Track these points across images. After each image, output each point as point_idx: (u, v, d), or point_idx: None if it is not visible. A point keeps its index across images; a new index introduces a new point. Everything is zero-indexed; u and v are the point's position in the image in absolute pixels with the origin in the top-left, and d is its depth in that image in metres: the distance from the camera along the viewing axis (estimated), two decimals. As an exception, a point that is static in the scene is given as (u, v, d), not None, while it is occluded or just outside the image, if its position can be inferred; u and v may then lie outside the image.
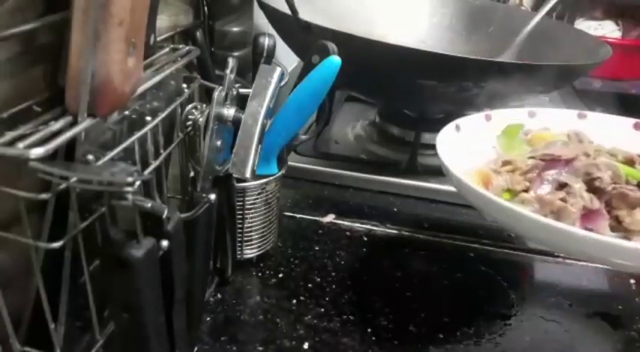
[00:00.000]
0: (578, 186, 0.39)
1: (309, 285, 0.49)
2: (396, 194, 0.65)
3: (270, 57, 0.56)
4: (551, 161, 0.42)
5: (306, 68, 0.45)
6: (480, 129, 0.49)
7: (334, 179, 0.66)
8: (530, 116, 0.50)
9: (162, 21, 0.44)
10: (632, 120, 0.49)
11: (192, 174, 0.41)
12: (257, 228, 0.49)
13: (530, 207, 0.39)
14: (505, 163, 0.45)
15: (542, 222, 0.34)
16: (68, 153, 0.26)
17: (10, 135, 0.23)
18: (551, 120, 0.50)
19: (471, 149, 0.47)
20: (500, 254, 0.56)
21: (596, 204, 0.38)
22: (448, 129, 0.47)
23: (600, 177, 0.39)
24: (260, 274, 0.50)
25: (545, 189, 0.40)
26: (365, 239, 0.57)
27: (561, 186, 0.40)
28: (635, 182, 0.40)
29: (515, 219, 0.36)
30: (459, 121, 0.48)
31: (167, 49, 0.36)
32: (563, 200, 0.39)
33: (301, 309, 0.46)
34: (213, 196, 0.36)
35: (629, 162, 0.42)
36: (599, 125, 0.50)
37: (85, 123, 0.25)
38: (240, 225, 0.48)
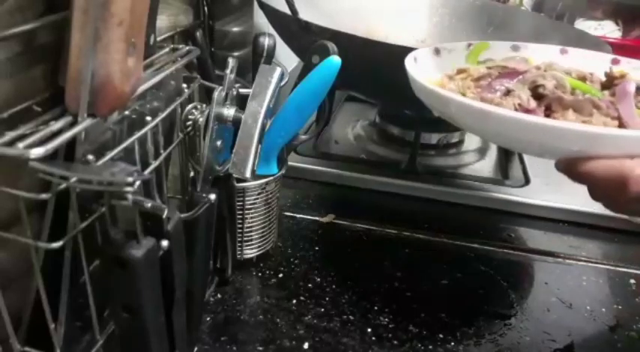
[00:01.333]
0: (522, 92, 0.40)
1: (309, 285, 0.49)
2: (396, 194, 0.65)
3: (270, 57, 0.56)
4: (505, 73, 0.43)
5: (306, 68, 0.45)
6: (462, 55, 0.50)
7: (334, 179, 0.66)
8: (514, 49, 0.51)
9: (162, 21, 0.44)
10: (609, 56, 0.49)
11: (192, 174, 0.41)
12: (257, 228, 0.49)
13: None
14: (460, 71, 0.46)
15: (468, 104, 0.36)
16: (68, 153, 0.26)
17: (10, 135, 0.23)
18: (533, 54, 0.50)
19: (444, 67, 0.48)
20: (500, 254, 0.56)
21: (533, 104, 0.39)
22: (428, 51, 0.48)
23: (543, 84, 0.40)
24: (260, 274, 0.50)
25: (491, 94, 0.41)
26: (365, 239, 0.57)
27: (508, 92, 0.41)
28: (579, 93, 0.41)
29: (444, 103, 0.39)
30: (442, 45, 0.49)
31: (167, 49, 0.36)
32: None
33: (301, 309, 0.46)
34: (213, 196, 0.36)
35: (582, 78, 0.43)
36: (578, 59, 0.50)
37: (85, 123, 0.25)
38: (240, 225, 0.48)
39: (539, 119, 0.35)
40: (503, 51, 0.50)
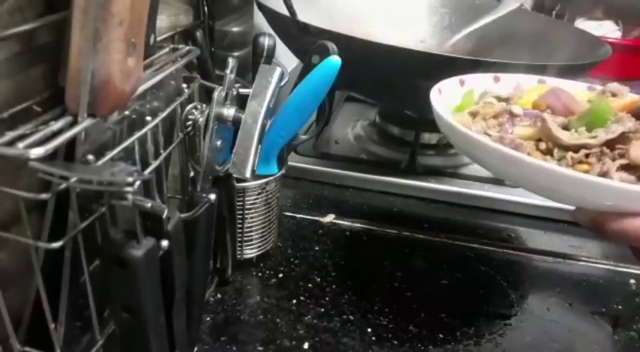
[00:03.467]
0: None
1: (309, 285, 0.49)
2: (396, 194, 0.65)
3: (270, 57, 0.56)
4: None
5: (306, 68, 0.45)
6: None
7: (334, 179, 0.66)
8: (495, 81, 0.50)
9: (162, 21, 0.44)
10: (584, 85, 0.49)
11: (192, 174, 0.41)
12: (257, 228, 0.49)
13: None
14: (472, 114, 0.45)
15: (491, 147, 0.34)
16: (68, 153, 0.26)
17: (10, 135, 0.23)
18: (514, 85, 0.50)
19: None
20: (500, 254, 0.56)
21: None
22: (454, 81, 0.46)
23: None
24: (260, 274, 0.50)
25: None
26: (365, 239, 0.57)
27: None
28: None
29: (472, 146, 0.37)
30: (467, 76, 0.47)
31: (167, 49, 0.36)
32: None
33: (301, 309, 0.46)
34: (213, 196, 0.36)
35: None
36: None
37: (85, 123, 0.25)
38: (240, 225, 0.48)
39: (571, 172, 0.33)
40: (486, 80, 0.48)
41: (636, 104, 0.39)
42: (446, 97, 0.44)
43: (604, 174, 0.33)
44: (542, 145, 0.36)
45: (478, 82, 0.47)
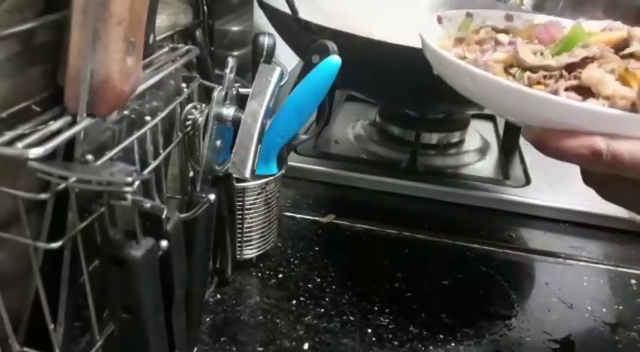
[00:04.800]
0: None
1: (309, 285, 0.49)
2: (396, 194, 0.65)
3: (270, 56, 0.56)
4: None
5: (306, 68, 0.45)
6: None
7: (334, 179, 0.66)
8: (507, 19, 0.50)
9: (162, 20, 0.44)
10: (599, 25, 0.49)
11: (191, 174, 0.41)
12: (257, 228, 0.49)
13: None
14: (458, 40, 0.45)
15: (460, 66, 0.35)
16: (67, 153, 0.26)
17: (9, 134, 0.23)
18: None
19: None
20: (500, 254, 0.56)
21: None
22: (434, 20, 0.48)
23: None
24: (260, 274, 0.50)
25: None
26: (365, 239, 0.57)
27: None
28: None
29: (441, 64, 0.38)
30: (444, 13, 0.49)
31: (166, 49, 0.35)
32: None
33: (301, 309, 0.46)
34: (212, 196, 0.36)
35: None
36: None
37: (84, 123, 0.25)
38: (240, 225, 0.48)
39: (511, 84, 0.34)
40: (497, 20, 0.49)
41: (622, 38, 0.39)
42: (447, 26, 0.46)
43: (553, 92, 0.33)
44: (513, 70, 0.37)
45: (486, 16, 0.48)
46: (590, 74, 0.33)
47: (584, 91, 0.33)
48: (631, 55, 0.35)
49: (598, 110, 0.31)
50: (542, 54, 0.36)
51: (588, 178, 0.35)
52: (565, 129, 0.31)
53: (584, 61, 0.34)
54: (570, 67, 0.34)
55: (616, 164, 0.30)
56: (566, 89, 0.33)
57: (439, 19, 0.46)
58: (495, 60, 0.37)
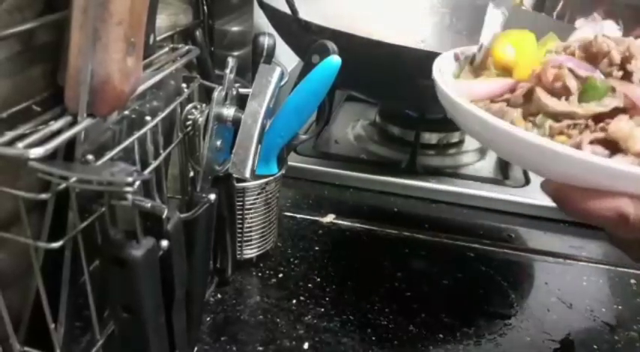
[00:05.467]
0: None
1: (309, 285, 0.49)
2: (396, 194, 0.65)
3: (270, 56, 0.56)
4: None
5: (306, 68, 0.45)
6: None
7: (334, 179, 0.66)
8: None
9: (162, 20, 0.44)
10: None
11: (192, 174, 0.41)
12: (257, 228, 0.49)
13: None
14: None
15: (476, 114, 0.32)
16: (68, 153, 0.26)
17: (9, 134, 0.23)
18: None
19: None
20: (500, 254, 0.56)
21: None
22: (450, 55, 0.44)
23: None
24: (260, 274, 0.50)
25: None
26: (365, 239, 0.57)
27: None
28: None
29: (452, 108, 0.35)
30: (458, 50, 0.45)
31: (166, 49, 0.35)
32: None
33: (301, 309, 0.46)
34: (213, 196, 0.36)
35: None
36: None
37: (84, 123, 0.25)
38: (240, 225, 0.48)
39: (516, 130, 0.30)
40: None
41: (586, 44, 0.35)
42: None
43: (577, 145, 0.30)
44: (534, 117, 0.33)
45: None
46: (619, 127, 0.29)
47: (612, 145, 0.30)
48: None
49: (626, 170, 0.27)
50: (567, 99, 0.32)
51: (615, 240, 0.33)
52: (589, 187, 0.28)
53: (615, 112, 0.31)
54: (598, 117, 0.31)
55: None
56: (592, 142, 0.30)
57: (456, 57, 0.43)
58: (513, 103, 0.34)
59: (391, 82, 0.61)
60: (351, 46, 0.53)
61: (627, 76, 0.33)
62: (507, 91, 0.35)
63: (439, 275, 0.52)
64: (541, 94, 0.33)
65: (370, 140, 0.76)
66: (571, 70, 0.33)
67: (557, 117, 0.32)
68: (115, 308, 0.29)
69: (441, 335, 0.45)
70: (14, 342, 0.29)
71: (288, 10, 0.57)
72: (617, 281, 0.54)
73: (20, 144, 0.23)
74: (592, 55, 0.34)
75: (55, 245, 0.27)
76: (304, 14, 0.58)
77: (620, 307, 0.50)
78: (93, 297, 0.30)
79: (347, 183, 0.66)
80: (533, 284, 0.54)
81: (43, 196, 0.26)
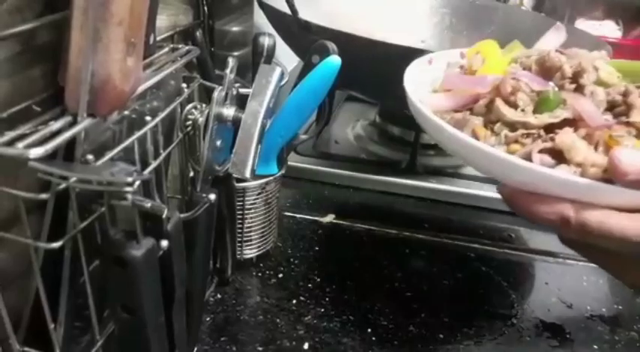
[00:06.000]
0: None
1: (309, 285, 0.49)
2: (396, 194, 0.65)
3: (270, 57, 0.56)
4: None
5: (306, 68, 0.45)
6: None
7: (334, 179, 0.66)
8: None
9: (162, 20, 0.43)
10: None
11: (192, 174, 0.41)
12: (257, 228, 0.49)
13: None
14: None
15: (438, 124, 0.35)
16: (68, 153, 0.26)
17: (9, 134, 0.23)
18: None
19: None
20: (500, 254, 0.56)
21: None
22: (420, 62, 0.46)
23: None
24: (260, 274, 0.50)
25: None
26: (365, 239, 0.57)
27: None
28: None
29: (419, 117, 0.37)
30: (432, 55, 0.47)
31: (167, 49, 0.35)
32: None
33: (301, 309, 0.46)
34: (213, 196, 0.36)
35: None
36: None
37: (84, 123, 0.25)
38: (240, 225, 0.48)
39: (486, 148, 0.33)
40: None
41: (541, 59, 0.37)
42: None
43: (527, 154, 0.33)
44: (493, 125, 0.36)
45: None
46: (562, 139, 0.32)
47: (559, 155, 0.32)
48: (624, 122, 0.34)
49: (566, 178, 0.30)
50: (523, 110, 0.35)
51: (565, 240, 0.35)
52: (537, 193, 0.31)
53: (565, 122, 0.34)
54: (550, 127, 0.34)
55: (584, 232, 0.30)
56: (541, 151, 0.32)
57: (430, 61, 0.45)
58: (476, 112, 0.36)
59: (391, 82, 0.61)
60: (351, 46, 0.53)
61: (580, 89, 0.35)
62: (471, 102, 0.37)
63: (439, 275, 0.52)
64: (500, 104, 0.35)
65: (370, 140, 0.76)
66: (526, 84, 0.36)
67: (513, 126, 0.34)
68: (115, 308, 0.29)
69: (441, 335, 0.45)
70: (14, 342, 0.29)
71: (288, 11, 0.57)
72: (616, 281, 0.53)
73: (20, 144, 0.23)
74: (546, 68, 0.37)
75: (55, 245, 0.27)
76: (304, 14, 0.58)
77: (619, 307, 0.50)
78: (93, 297, 0.30)
79: (347, 183, 0.66)
80: (533, 284, 0.54)
81: (43, 196, 0.26)
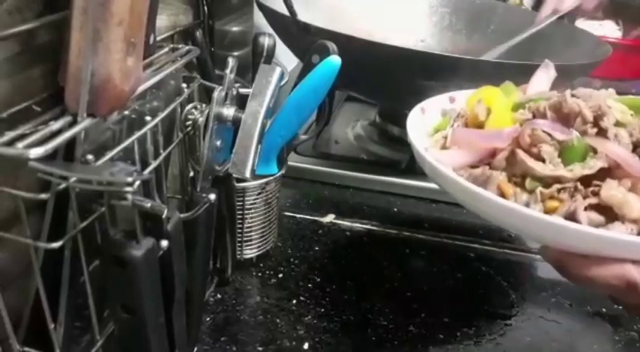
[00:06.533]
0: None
1: (309, 285, 0.49)
2: (396, 194, 0.65)
3: (270, 57, 0.56)
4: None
5: (306, 68, 0.45)
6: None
7: (334, 179, 0.66)
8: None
9: (162, 20, 0.43)
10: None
11: (192, 174, 0.41)
12: (257, 228, 0.49)
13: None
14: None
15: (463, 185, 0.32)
16: (68, 153, 0.26)
17: (9, 134, 0.23)
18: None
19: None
20: (500, 254, 0.56)
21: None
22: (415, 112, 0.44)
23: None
24: (260, 274, 0.50)
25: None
26: (365, 239, 0.57)
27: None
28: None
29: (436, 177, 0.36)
30: (423, 104, 0.45)
31: (167, 49, 0.36)
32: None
33: (301, 309, 0.46)
34: (213, 196, 0.36)
35: None
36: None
37: (84, 123, 0.25)
38: (240, 225, 0.48)
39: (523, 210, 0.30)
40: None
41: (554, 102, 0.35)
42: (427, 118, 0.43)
43: (572, 213, 0.30)
44: (519, 179, 0.33)
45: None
46: (611, 194, 0.30)
47: (607, 210, 0.30)
48: None
49: (626, 239, 0.28)
50: (551, 163, 0.32)
51: (620, 303, 0.33)
52: (590, 255, 0.29)
53: (602, 172, 0.31)
54: (585, 180, 0.31)
55: None
56: (586, 208, 0.30)
57: (422, 110, 0.43)
58: (495, 167, 0.34)
59: (391, 82, 0.61)
60: (351, 46, 0.53)
61: (602, 133, 0.33)
62: (487, 156, 0.35)
63: (439, 275, 0.52)
64: (524, 158, 0.33)
65: (370, 140, 0.76)
66: (548, 133, 0.33)
67: (543, 180, 0.32)
68: (115, 308, 0.29)
69: (441, 335, 0.45)
70: (14, 342, 0.29)
71: (287, 12, 0.57)
72: (617, 281, 0.54)
73: (20, 144, 0.23)
74: (564, 115, 0.34)
75: (55, 245, 0.27)
76: (303, 15, 0.58)
77: (620, 307, 0.50)
78: (93, 297, 0.30)
79: (347, 183, 0.66)
80: (533, 284, 0.54)
81: (43, 196, 0.26)
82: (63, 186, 0.26)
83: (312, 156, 0.69)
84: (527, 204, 0.31)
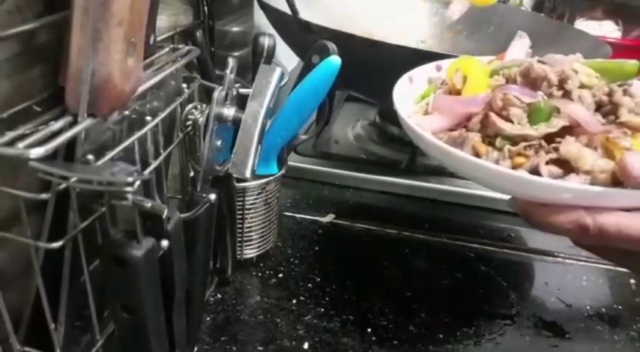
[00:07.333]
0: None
1: (309, 285, 0.49)
2: (396, 194, 0.65)
3: (270, 57, 0.56)
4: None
5: (306, 68, 0.45)
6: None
7: (334, 179, 0.66)
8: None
9: (162, 21, 0.44)
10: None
11: (192, 174, 0.41)
12: (257, 228, 0.49)
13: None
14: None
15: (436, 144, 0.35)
16: (68, 153, 0.26)
17: (10, 135, 0.23)
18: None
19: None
20: (500, 254, 0.56)
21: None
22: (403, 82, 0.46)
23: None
24: (260, 274, 0.50)
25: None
26: (365, 239, 0.57)
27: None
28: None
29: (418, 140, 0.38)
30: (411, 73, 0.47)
31: (167, 49, 0.36)
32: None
33: (301, 309, 0.46)
34: (213, 196, 0.36)
35: None
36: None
37: (85, 123, 0.25)
38: (240, 225, 0.48)
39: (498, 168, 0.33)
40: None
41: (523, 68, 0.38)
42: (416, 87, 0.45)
43: (535, 167, 0.33)
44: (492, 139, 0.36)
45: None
46: (568, 149, 0.33)
47: (565, 164, 0.33)
48: (616, 122, 0.34)
49: (579, 188, 0.31)
50: (519, 123, 0.36)
51: (579, 244, 0.36)
52: (550, 204, 0.32)
53: (563, 130, 0.34)
54: (549, 137, 0.34)
55: (603, 237, 0.31)
56: (547, 163, 0.33)
57: (410, 79, 0.46)
58: (471, 129, 0.37)
59: (391, 82, 0.61)
60: (351, 46, 0.53)
61: (567, 95, 0.36)
62: (464, 120, 0.38)
63: (439, 275, 0.52)
64: (496, 120, 0.36)
65: (370, 140, 0.76)
66: (517, 97, 0.36)
67: (513, 139, 0.35)
68: (115, 308, 0.29)
69: (441, 335, 0.45)
70: (14, 342, 0.29)
71: (288, 11, 0.57)
72: (616, 281, 0.54)
73: (21, 144, 0.23)
74: (532, 79, 0.37)
75: (55, 245, 0.27)
76: (304, 14, 0.58)
77: (619, 307, 0.50)
78: (93, 297, 0.30)
79: (347, 183, 0.66)
80: (533, 284, 0.54)
81: (44, 196, 0.26)
82: (63, 186, 0.26)
83: (312, 156, 0.69)
84: (497, 161, 0.34)
